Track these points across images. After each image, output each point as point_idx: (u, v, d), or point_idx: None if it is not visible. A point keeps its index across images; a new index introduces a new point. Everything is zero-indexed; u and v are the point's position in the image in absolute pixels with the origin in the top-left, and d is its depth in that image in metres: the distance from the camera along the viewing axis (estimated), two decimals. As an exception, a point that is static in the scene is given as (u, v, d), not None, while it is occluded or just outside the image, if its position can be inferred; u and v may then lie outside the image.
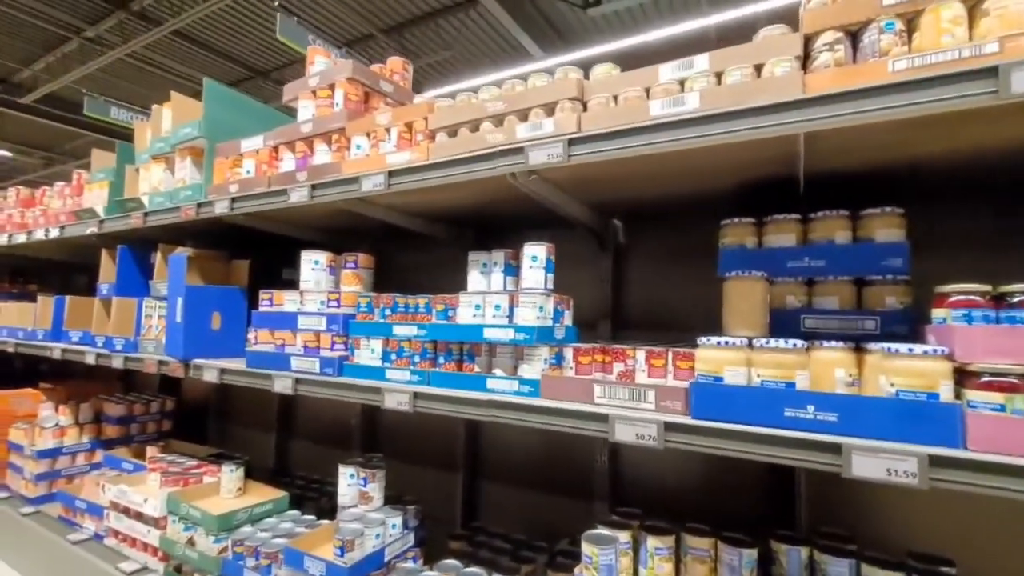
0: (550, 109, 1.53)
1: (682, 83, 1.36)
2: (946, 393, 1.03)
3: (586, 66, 1.63)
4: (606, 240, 2.30)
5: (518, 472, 2.48)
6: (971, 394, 1.02)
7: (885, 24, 1.15)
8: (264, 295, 2.19)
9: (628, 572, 1.44)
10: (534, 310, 1.52)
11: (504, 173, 1.57)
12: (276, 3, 5.96)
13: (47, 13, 7.18)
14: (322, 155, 2.06)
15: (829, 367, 1.24)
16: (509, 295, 1.58)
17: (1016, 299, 1.08)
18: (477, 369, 1.65)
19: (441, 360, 1.71)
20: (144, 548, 2.33)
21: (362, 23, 7.76)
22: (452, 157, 1.64)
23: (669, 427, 1.25)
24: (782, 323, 1.52)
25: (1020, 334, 1.02)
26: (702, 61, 1.33)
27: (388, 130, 1.87)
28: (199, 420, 3.76)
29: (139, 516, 2.35)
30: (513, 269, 1.76)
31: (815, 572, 1.36)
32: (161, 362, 2.39)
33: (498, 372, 1.60)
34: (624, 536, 1.45)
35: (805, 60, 1.25)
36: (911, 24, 1.15)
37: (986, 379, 1.01)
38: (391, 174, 1.77)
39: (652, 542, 1.43)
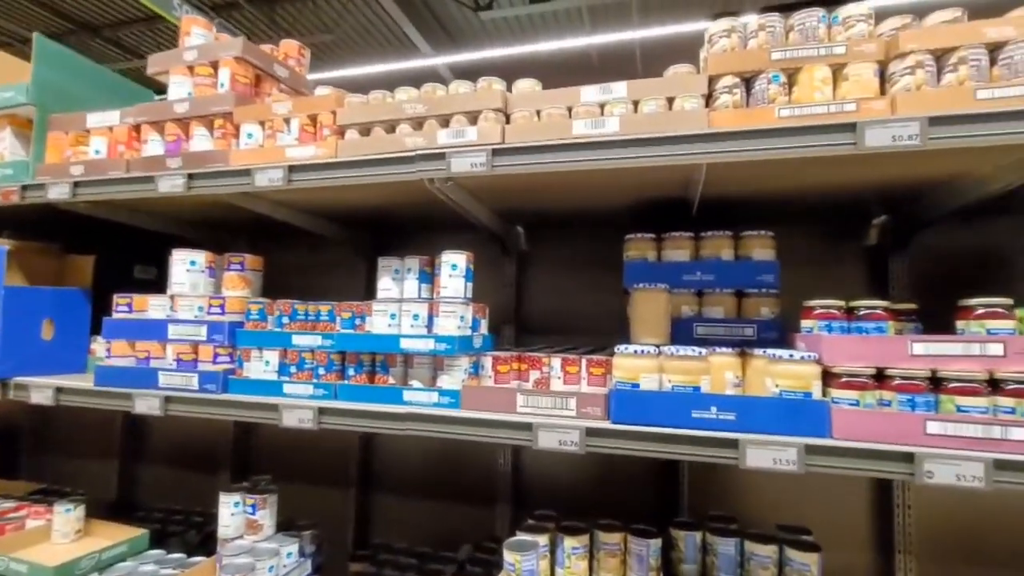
0: (473, 117, 1.51)
1: (602, 106, 1.44)
2: (817, 392, 1.23)
3: (475, 69, 1.64)
4: (509, 246, 2.34)
5: (416, 482, 2.41)
6: (834, 392, 1.24)
7: (772, 76, 1.34)
8: (120, 299, 1.85)
9: (546, 574, 1.48)
10: (455, 320, 1.50)
11: (423, 178, 1.52)
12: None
13: None
14: (202, 140, 1.80)
15: (721, 370, 1.41)
16: (428, 304, 1.53)
17: (862, 312, 1.32)
18: (392, 381, 1.57)
19: (351, 372, 1.60)
20: (-65, 621, 1.82)
21: (226, -11, 6.94)
22: (368, 157, 1.54)
23: (591, 432, 1.32)
24: (679, 330, 1.69)
25: (867, 342, 1.25)
26: (620, 88, 1.42)
27: (287, 120, 1.70)
28: (6, 451, 3.04)
29: (-73, 581, 1.84)
30: (428, 276, 1.71)
31: (708, 552, 1.54)
32: (-36, 382, 1.89)
33: (415, 383, 1.54)
34: (543, 540, 1.50)
35: (708, 98, 1.40)
36: (792, 78, 1.35)
37: (845, 379, 1.23)
38: (292, 169, 1.61)
39: (569, 542, 1.49)
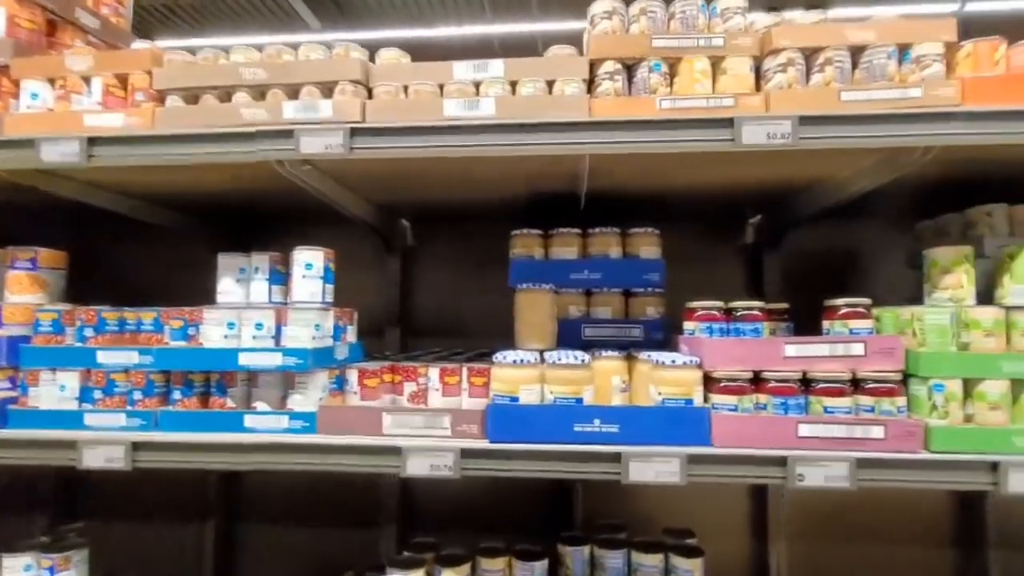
0: (327, 89, 1.28)
1: (477, 85, 1.28)
2: (698, 398, 1.18)
3: (368, 49, 1.43)
4: (393, 242, 2.12)
5: (289, 505, 2.12)
6: (714, 398, 1.19)
7: (654, 64, 1.27)
8: None
9: (422, 612, 1.32)
10: (309, 329, 1.27)
11: (268, 159, 1.26)
12: None
13: None
14: (-34, 100, 1.37)
15: (607, 375, 1.32)
16: (275, 310, 1.29)
17: (739, 313, 1.30)
18: (231, 404, 1.30)
19: (177, 395, 1.30)
20: None
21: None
22: (193, 131, 1.25)
23: (466, 454, 1.17)
24: (566, 332, 1.59)
25: (745, 345, 1.23)
26: (497, 67, 1.27)
27: (87, 79, 1.34)
28: None
29: None
30: (281, 276, 1.45)
31: (596, 568, 1.46)
32: None
33: (261, 406, 1.29)
34: (419, 574, 1.33)
35: (590, 84, 1.30)
36: (673, 68, 1.29)
37: (724, 384, 1.19)
38: (93, 142, 1.27)
39: (448, 575, 1.34)
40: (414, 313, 2.16)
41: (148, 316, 1.41)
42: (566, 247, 1.65)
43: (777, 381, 1.17)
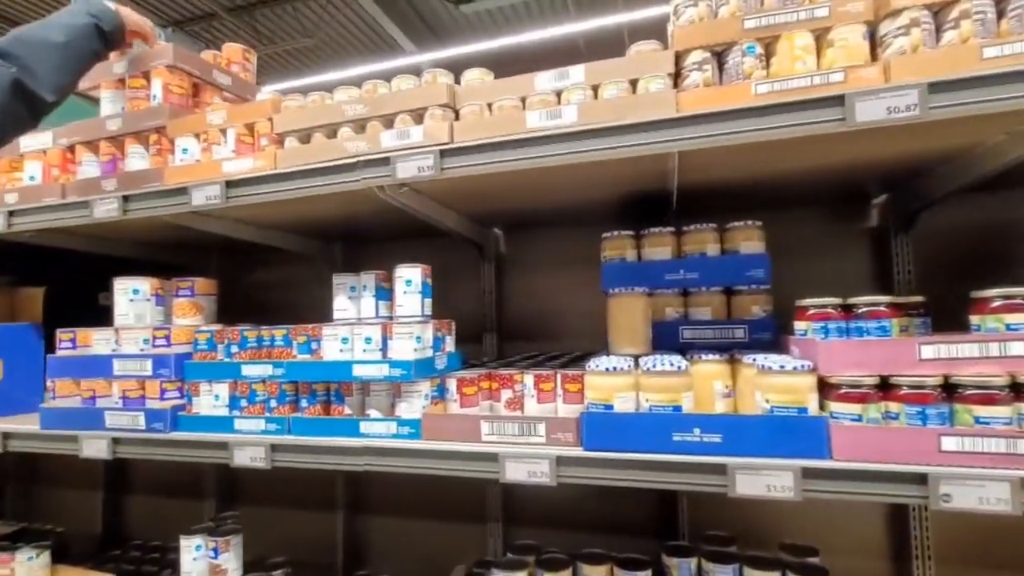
0: (418, 115, 1.36)
1: (559, 94, 1.28)
2: (813, 406, 1.08)
3: (460, 64, 1.49)
4: (487, 250, 2.19)
5: (405, 502, 2.28)
6: (833, 406, 1.08)
7: (747, 47, 1.18)
8: (63, 335, 1.73)
9: (526, 615, 1.35)
10: (411, 341, 1.36)
11: (370, 186, 1.38)
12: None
13: None
14: (137, 159, 1.66)
15: (708, 380, 1.26)
16: (382, 325, 1.39)
17: (861, 311, 1.16)
18: (348, 411, 1.43)
19: (304, 403, 1.47)
20: None
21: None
22: (306, 167, 1.40)
23: (562, 462, 1.18)
24: (663, 335, 1.54)
25: (868, 346, 1.09)
26: (578, 73, 1.26)
27: (223, 131, 1.56)
28: (-10, 487, 2.96)
29: None
30: (386, 292, 1.57)
31: (704, 582, 1.39)
32: (-91, 431, 1.78)
33: (373, 413, 1.41)
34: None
35: (676, 77, 1.24)
36: (769, 48, 1.19)
37: (844, 391, 1.07)
38: (229, 184, 1.47)
39: (549, 579, 1.36)
40: (509, 318, 2.21)
41: (279, 333, 1.60)
42: (659, 247, 1.60)
43: (911, 387, 1.03)
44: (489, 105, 1.33)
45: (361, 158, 1.35)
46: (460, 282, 2.18)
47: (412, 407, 1.37)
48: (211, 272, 2.44)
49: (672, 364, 1.18)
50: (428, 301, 1.46)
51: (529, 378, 1.43)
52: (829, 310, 1.18)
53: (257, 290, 2.53)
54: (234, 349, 1.57)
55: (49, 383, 1.69)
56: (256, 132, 1.52)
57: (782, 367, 1.08)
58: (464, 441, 1.29)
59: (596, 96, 1.26)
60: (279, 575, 1.72)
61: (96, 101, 1.85)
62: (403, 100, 1.37)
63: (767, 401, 1.11)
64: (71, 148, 1.76)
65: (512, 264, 2.21)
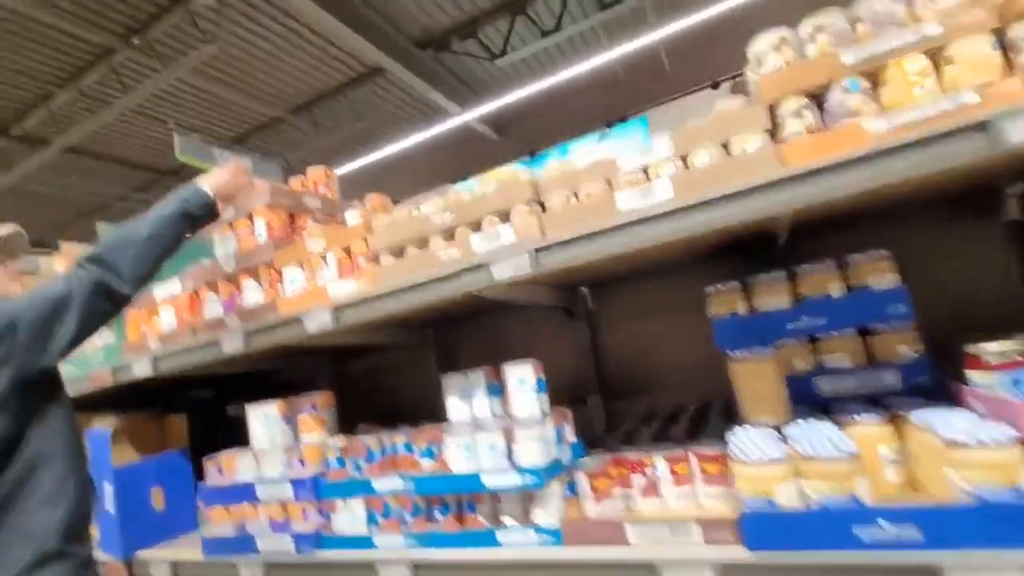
0: (504, 214, 1.36)
1: (645, 170, 1.23)
2: (1029, 483, 0.91)
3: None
4: (576, 311, 2.15)
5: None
6: (1060, 481, 0.90)
7: (849, 83, 1.08)
8: (210, 464, 1.87)
9: None
10: (536, 444, 1.32)
11: (470, 291, 1.39)
12: (169, 125, 5.61)
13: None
14: (252, 292, 1.80)
15: (870, 446, 1.11)
16: (503, 431, 1.37)
17: (1062, 353, 0.98)
18: (481, 520, 1.41)
19: (437, 515, 1.46)
20: None
21: (268, 108, 7.54)
22: (406, 284, 1.44)
23: (729, 568, 1.07)
24: (795, 390, 1.40)
25: (1088, 400, 0.91)
26: (663, 146, 1.21)
27: (323, 256, 1.65)
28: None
29: None
30: (497, 388, 1.56)
31: None
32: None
33: (508, 520, 1.37)
34: None
35: (772, 130, 1.15)
36: (876, 78, 1.08)
37: (1071, 460, 0.90)
38: (337, 309, 1.54)
39: None
40: (608, 376, 2.13)
41: (400, 439, 1.62)
42: (774, 295, 1.47)
43: None
44: (575, 192, 1.30)
45: (459, 268, 1.37)
46: (553, 345, 2.14)
47: (548, 511, 1.32)
48: (314, 370, 2.58)
49: (832, 443, 1.05)
50: (544, 397, 1.43)
51: (661, 463, 1.34)
52: (1018, 358, 1.01)
53: (356, 381, 2.62)
54: (362, 463, 1.61)
55: (204, 510, 1.82)
56: (353, 252, 1.60)
57: (980, 441, 0.92)
58: (610, 545, 1.22)
59: (686, 165, 1.19)
60: None
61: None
62: (488, 203, 1.38)
63: (964, 480, 0.95)
64: (196, 291, 1.94)
65: (603, 320, 2.14)
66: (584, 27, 6.63)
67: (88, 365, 2.10)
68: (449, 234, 1.45)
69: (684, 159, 1.21)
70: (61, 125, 6.41)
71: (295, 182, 2.00)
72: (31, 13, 4.89)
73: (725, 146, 1.18)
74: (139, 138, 7.47)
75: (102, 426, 2.05)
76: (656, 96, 7.67)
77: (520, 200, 1.34)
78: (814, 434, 1.10)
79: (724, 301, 1.53)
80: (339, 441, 1.68)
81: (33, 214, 8.45)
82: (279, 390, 2.12)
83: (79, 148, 7.12)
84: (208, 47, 5.40)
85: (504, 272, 1.30)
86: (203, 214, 1.44)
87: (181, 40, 5.69)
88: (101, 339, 2.16)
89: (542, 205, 1.35)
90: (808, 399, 1.40)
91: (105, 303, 1.30)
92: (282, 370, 2.64)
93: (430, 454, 1.55)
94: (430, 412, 2.27)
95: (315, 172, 2.06)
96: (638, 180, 1.23)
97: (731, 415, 1.59)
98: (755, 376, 1.34)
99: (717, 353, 1.46)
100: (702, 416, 1.72)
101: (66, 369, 2.15)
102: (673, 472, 1.32)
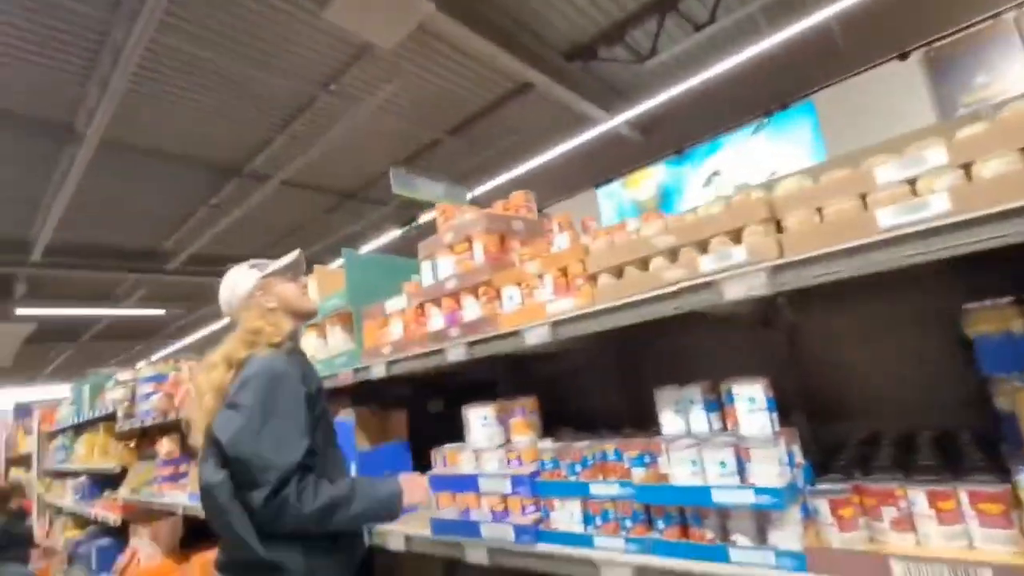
0: (735, 235, 1.37)
1: (911, 182, 1.15)
2: None
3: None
4: (776, 322, 2.04)
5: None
6: None
7: None
8: (435, 455, 2.15)
9: None
10: (773, 466, 1.30)
11: (691, 309, 1.42)
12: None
13: (181, 194, 8.45)
14: (471, 309, 2.04)
15: None
16: (734, 448, 1.37)
17: None
18: (709, 535, 1.42)
19: (660, 524, 1.51)
20: None
21: (431, 132, 8.30)
22: (625, 301, 1.52)
23: (1035, 627, 0.95)
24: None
25: None
26: (938, 155, 1.12)
27: (540, 276, 1.81)
28: None
29: None
30: (714, 404, 1.56)
31: None
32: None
33: (739, 539, 1.37)
34: None
35: (1088, 128, 1.00)
36: None
37: None
38: (555, 324, 1.68)
39: None
40: (810, 396, 1.99)
41: (609, 447, 1.71)
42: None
43: None
44: (819, 210, 1.26)
45: (682, 285, 1.41)
46: (744, 358, 2.06)
47: (786, 535, 1.29)
48: (494, 373, 2.80)
49: None
50: (775, 416, 1.40)
51: (919, 495, 1.23)
52: None
53: (534, 386, 2.78)
54: (577, 468, 1.72)
55: (432, 495, 2.10)
56: (569, 273, 1.73)
57: None
58: (868, 580, 1.15)
59: (969, 176, 1.09)
60: None
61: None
62: (718, 223, 1.40)
63: None
64: (420, 306, 2.25)
65: (804, 335, 2.01)
66: (741, 15, 6.22)
67: (334, 365, 2.54)
68: (672, 255, 1.49)
69: (967, 168, 1.10)
70: (278, 163, 7.80)
71: (499, 206, 2.21)
72: (246, 71, 6.06)
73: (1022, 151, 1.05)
74: (333, 169, 8.76)
75: (346, 416, 2.47)
76: (826, 77, 6.87)
77: (753, 220, 1.33)
78: None
79: (992, 318, 1.35)
80: (554, 447, 1.81)
81: (250, 237, 10.38)
82: (464, 389, 2.37)
83: (288, 181, 8.58)
84: (388, 85, 6.14)
85: (736, 291, 1.31)
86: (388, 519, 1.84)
87: (367, 82, 6.58)
88: (344, 345, 2.60)
89: (778, 224, 1.33)
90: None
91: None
92: (463, 372, 2.89)
93: (641, 463, 1.60)
94: (609, 419, 2.34)
95: (517, 197, 2.26)
96: (900, 194, 1.15)
97: (983, 446, 1.41)
98: (1050, 408, 1.16)
99: (938, 377, 1.30)
100: (944, 444, 1.54)
101: (317, 367, 2.62)
102: (936, 508, 1.21)
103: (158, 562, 4.96)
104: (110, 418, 5.68)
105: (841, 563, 1.20)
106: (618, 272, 1.60)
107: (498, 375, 2.91)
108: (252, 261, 2.03)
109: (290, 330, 1.89)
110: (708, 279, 1.35)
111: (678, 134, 8.12)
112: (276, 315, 1.89)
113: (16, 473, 9.61)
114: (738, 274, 1.30)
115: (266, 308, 1.90)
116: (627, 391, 2.49)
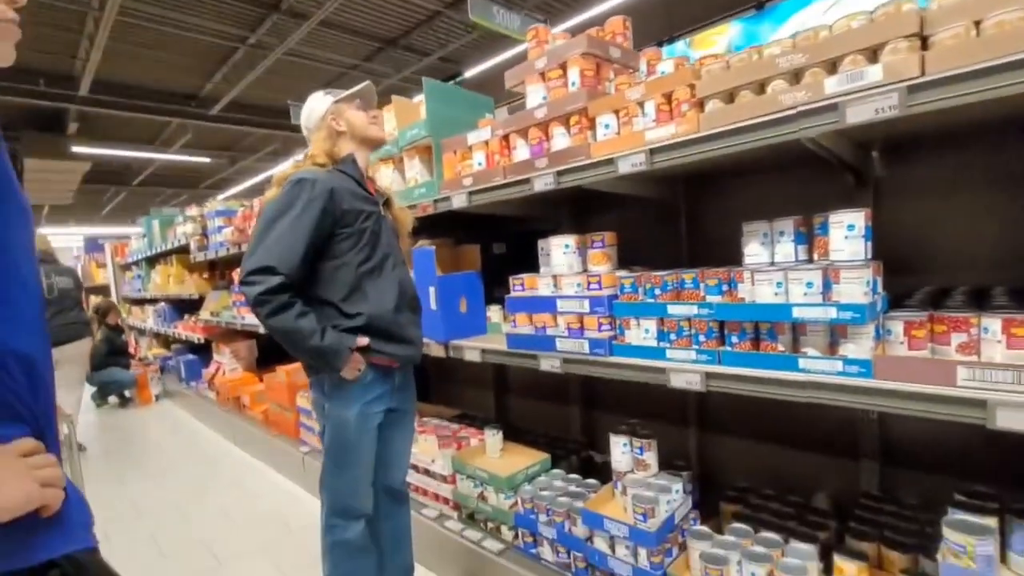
0: (872, 54, 1.31)
1: (1099, -11, 1.06)
2: None
3: None
4: (865, 175, 2.01)
5: (756, 425, 2.42)
6: None
7: None
8: (515, 280, 2.32)
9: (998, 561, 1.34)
10: (861, 286, 1.39)
11: (804, 137, 1.41)
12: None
13: (214, 28, 8.07)
14: (560, 139, 2.05)
15: None
16: (823, 270, 1.46)
17: None
18: (781, 348, 1.58)
19: (733, 340, 1.67)
20: (436, 498, 2.76)
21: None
22: (734, 126, 1.51)
23: (1089, 417, 1.09)
24: None
25: None
26: None
27: (641, 104, 1.78)
28: (423, 383, 4.25)
29: (427, 472, 2.78)
30: (803, 237, 1.62)
31: None
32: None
33: (811, 351, 1.52)
34: (992, 523, 1.34)
35: None
36: None
37: None
38: (653, 152, 1.70)
39: (1034, 530, 1.30)
40: (889, 251, 2.03)
41: (688, 276, 1.83)
42: None
43: None
44: (976, 23, 1.18)
45: (800, 108, 1.39)
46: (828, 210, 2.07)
47: (860, 348, 1.43)
48: (555, 219, 2.88)
49: None
50: (870, 244, 1.46)
51: (994, 322, 1.32)
52: None
53: (644, 235, 2.87)
54: (656, 292, 1.86)
55: (509, 315, 2.32)
56: (675, 100, 1.70)
57: None
58: (932, 384, 1.30)
59: None
60: (687, 475, 2.07)
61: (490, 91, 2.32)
62: (854, 40, 1.33)
63: None
64: (506, 137, 2.26)
65: (890, 189, 1.98)
66: None
67: (412, 196, 2.65)
68: (795, 78, 1.45)
69: None
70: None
71: (593, 32, 2.10)
72: None
73: None
74: (373, 9, 8.12)
75: (426, 245, 2.63)
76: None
77: (899, 35, 1.26)
78: None
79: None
80: (633, 274, 1.95)
81: (293, 84, 10.06)
82: (527, 236, 2.47)
83: (327, 21, 8.05)
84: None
85: (861, 114, 1.29)
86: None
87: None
88: (422, 177, 2.68)
89: (924, 42, 1.26)
90: None
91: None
92: (526, 219, 2.95)
93: (719, 291, 1.73)
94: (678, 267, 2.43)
95: (614, 23, 2.12)
96: (1081, 2, 1.06)
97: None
98: None
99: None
100: (1013, 296, 1.61)
101: (397, 200, 2.72)
102: (1008, 333, 1.30)
103: (240, 374, 5.72)
104: (182, 250, 6.15)
105: (908, 368, 1.34)
106: (729, 97, 1.57)
107: (562, 222, 2.98)
108: (328, 89, 2.05)
109: (344, 155, 1.95)
110: (831, 101, 1.33)
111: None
112: (343, 139, 1.96)
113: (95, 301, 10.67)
114: (867, 95, 1.27)
115: (335, 131, 1.96)
116: (696, 236, 2.54)
